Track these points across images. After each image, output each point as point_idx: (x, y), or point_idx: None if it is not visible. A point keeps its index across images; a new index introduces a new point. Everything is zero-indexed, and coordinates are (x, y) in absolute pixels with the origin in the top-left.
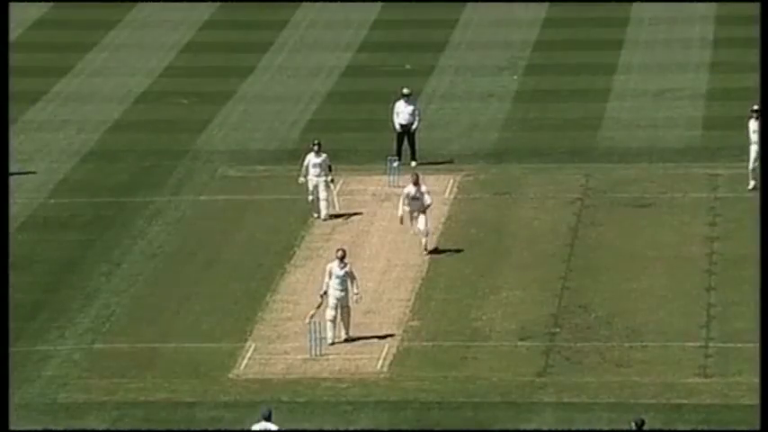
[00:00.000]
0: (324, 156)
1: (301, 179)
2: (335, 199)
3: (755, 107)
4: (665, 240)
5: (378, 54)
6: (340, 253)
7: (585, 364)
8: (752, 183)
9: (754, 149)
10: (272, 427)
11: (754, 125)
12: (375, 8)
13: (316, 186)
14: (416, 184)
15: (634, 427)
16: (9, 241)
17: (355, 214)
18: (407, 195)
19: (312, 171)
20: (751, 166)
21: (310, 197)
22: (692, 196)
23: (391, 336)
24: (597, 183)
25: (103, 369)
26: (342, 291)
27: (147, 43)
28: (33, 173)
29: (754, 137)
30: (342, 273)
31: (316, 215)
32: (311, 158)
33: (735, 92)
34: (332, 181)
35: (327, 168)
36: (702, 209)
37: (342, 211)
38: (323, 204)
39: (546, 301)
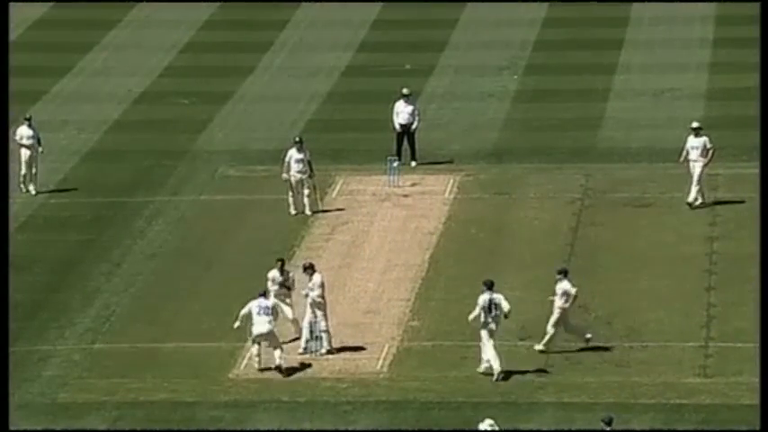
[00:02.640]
0: (306, 152)
1: (284, 176)
2: (318, 196)
3: (695, 124)
4: (665, 240)
5: (378, 54)
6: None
7: (585, 364)
8: (699, 200)
9: (698, 166)
10: (268, 302)
11: (693, 141)
12: (375, 8)
13: (299, 182)
14: (281, 270)
15: (605, 427)
16: (9, 241)
17: (355, 214)
18: (273, 280)
19: (294, 167)
20: (696, 185)
21: (290, 193)
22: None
23: (391, 336)
24: (597, 183)
25: (103, 369)
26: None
27: (147, 43)
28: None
29: (694, 153)
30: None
31: (294, 212)
32: (293, 154)
33: (735, 92)
34: (311, 177)
35: (309, 165)
36: (702, 209)
37: (341, 209)
38: (306, 201)
39: (546, 301)
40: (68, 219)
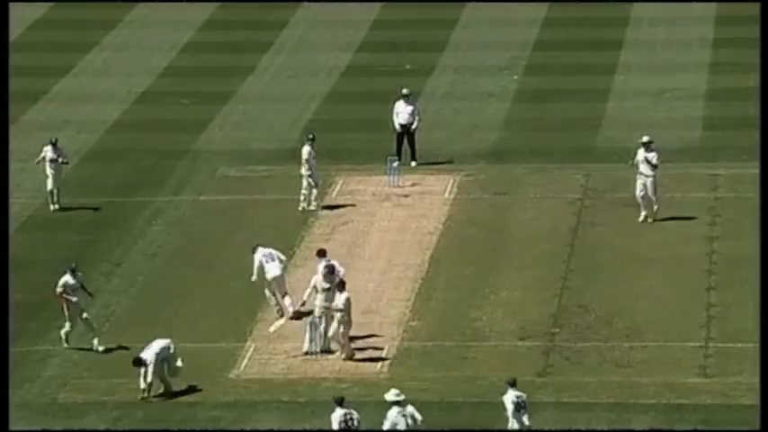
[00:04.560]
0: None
1: (308, 172)
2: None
3: (645, 139)
4: (665, 240)
5: (378, 54)
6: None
7: (585, 364)
8: (649, 218)
9: (649, 181)
10: (270, 249)
11: (644, 155)
12: (375, 8)
13: (315, 178)
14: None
15: None
16: (9, 241)
17: (355, 214)
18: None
19: (313, 163)
20: (643, 202)
21: (305, 191)
22: (692, 196)
23: (391, 336)
24: (597, 183)
25: (103, 369)
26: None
27: (147, 43)
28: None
29: (645, 168)
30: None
31: (310, 207)
32: (311, 151)
33: (734, 92)
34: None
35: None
36: (702, 209)
37: (341, 209)
38: (315, 197)
39: (546, 301)
40: (68, 219)
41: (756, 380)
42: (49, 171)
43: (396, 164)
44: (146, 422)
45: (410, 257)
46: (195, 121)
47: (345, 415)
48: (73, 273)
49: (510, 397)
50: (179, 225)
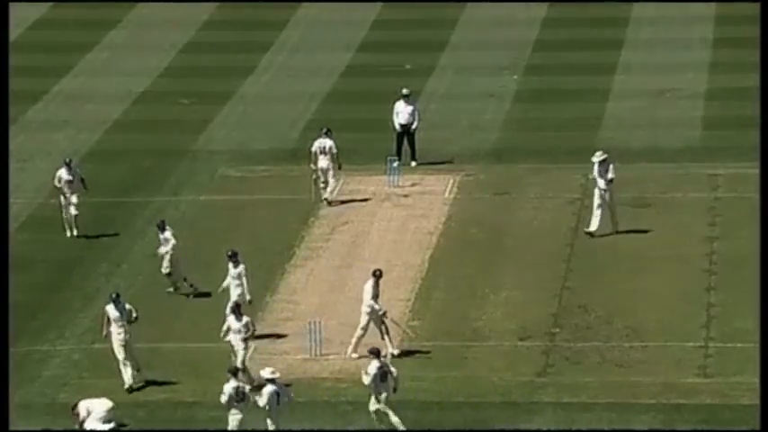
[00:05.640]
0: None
1: (337, 164)
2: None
3: (601, 158)
4: (665, 240)
5: (378, 54)
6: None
7: (585, 364)
8: (592, 227)
9: (607, 195)
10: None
11: (601, 171)
12: (375, 8)
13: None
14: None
15: None
16: (9, 241)
17: (355, 214)
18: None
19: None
20: (598, 213)
21: (333, 185)
22: (692, 196)
23: (391, 336)
24: None
25: (103, 369)
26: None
27: (147, 43)
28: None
29: (602, 182)
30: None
31: (327, 197)
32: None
33: (735, 92)
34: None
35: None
36: (702, 209)
37: (341, 209)
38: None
39: (546, 301)
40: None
41: (756, 380)
42: (65, 196)
43: (396, 164)
44: (146, 422)
45: (410, 257)
46: (195, 121)
47: (237, 388)
48: (115, 302)
49: (372, 368)
50: (179, 225)
